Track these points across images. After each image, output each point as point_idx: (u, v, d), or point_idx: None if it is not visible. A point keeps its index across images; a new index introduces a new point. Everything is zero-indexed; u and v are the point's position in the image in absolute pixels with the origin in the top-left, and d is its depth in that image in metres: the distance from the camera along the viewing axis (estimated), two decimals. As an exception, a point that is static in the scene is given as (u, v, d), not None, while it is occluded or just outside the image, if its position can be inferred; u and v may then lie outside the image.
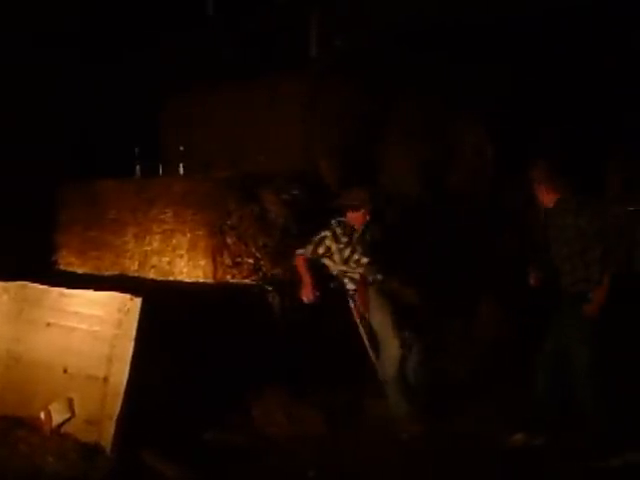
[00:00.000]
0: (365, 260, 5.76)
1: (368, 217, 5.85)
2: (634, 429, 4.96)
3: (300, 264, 5.76)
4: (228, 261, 5.85)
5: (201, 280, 5.82)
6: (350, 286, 5.78)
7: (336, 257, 5.77)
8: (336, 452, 5.00)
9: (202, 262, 5.84)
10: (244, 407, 5.33)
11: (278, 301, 5.90)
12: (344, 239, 5.78)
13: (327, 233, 5.79)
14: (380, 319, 5.59)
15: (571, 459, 4.86)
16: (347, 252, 5.77)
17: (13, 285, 5.31)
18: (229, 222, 5.89)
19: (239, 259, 5.89)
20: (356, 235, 5.80)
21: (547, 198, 5.23)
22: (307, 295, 5.71)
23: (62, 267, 6.74)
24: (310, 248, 5.74)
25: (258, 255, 5.97)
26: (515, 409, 5.60)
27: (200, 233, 5.87)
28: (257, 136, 6.78)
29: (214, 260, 5.81)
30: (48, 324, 5.02)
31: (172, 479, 4.49)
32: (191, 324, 5.07)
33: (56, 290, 5.09)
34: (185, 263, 5.92)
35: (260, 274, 5.95)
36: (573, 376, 5.02)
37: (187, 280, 5.88)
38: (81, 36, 7.56)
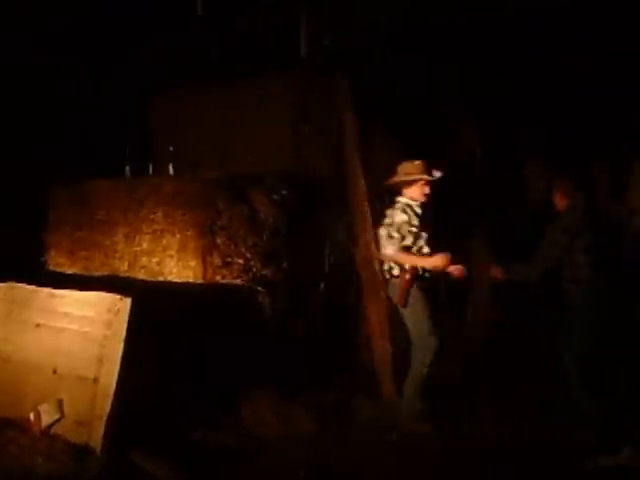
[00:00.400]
0: (427, 250, 5.64)
1: (428, 191, 5.70)
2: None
3: (402, 257, 5.58)
4: (218, 261, 5.85)
5: (191, 280, 5.81)
6: (395, 271, 5.66)
7: (407, 241, 5.64)
8: (326, 452, 5.02)
9: (192, 262, 5.84)
10: (234, 407, 5.34)
11: (268, 301, 5.90)
12: (415, 221, 5.66)
13: (404, 217, 5.64)
14: (419, 315, 5.52)
15: (565, 458, 4.90)
16: (412, 238, 5.64)
17: (2, 286, 5.31)
18: (219, 222, 5.88)
19: (229, 259, 5.88)
20: (421, 214, 5.66)
21: (562, 203, 5.45)
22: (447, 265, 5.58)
23: (51, 267, 6.72)
24: (397, 242, 5.58)
25: (248, 255, 5.96)
26: (507, 408, 5.65)
27: (190, 233, 5.87)
28: (246, 136, 6.77)
29: (204, 260, 5.81)
30: (37, 325, 5.02)
31: (162, 479, 4.49)
32: (181, 324, 5.06)
33: (45, 291, 5.08)
34: (175, 263, 5.92)
35: (250, 274, 5.94)
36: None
37: (177, 280, 5.88)
38: (71, 36, 7.53)
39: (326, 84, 6.91)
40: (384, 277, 5.79)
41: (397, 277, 5.64)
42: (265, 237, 6.04)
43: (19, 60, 7.16)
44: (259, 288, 5.90)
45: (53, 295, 5.02)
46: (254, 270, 5.96)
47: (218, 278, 5.83)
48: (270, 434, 5.22)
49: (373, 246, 6.02)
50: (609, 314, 5.21)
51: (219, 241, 5.84)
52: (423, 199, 5.76)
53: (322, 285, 6.29)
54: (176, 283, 5.84)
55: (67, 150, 7.32)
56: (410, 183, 5.76)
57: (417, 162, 5.80)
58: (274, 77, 6.80)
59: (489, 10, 7.50)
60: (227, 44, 7.92)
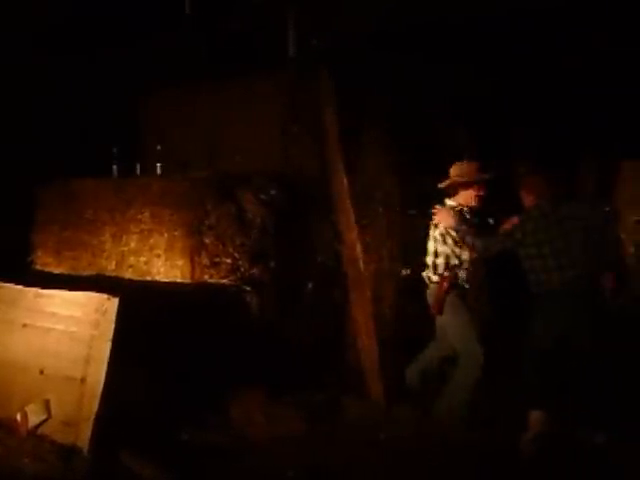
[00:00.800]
0: (466, 257, 5.54)
1: (482, 193, 5.51)
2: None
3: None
4: (206, 261, 5.84)
5: (179, 280, 5.80)
6: (434, 278, 5.58)
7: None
8: (315, 452, 5.01)
9: (179, 262, 5.82)
10: (223, 407, 5.33)
11: (256, 301, 5.90)
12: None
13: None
14: (462, 324, 5.44)
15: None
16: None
17: (-12, 286, 5.27)
18: (207, 222, 5.87)
19: (217, 259, 5.87)
20: (475, 220, 5.51)
21: (526, 200, 5.40)
22: None
23: (38, 267, 6.68)
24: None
25: (236, 255, 5.95)
26: (499, 408, 5.67)
27: (177, 233, 5.85)
28: (235, 136, 6.76)
29: (192, 260, 5.80)
30: (24, 325, 4.98)
31: (149, 479, 4.48)
32: (169, 324, 5.05)
33: (32, 290, 5.05)
34: (162, 263, 5.90)
35: (238, 274, 5.94)
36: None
37: (164, 280, 5.86)
38: (59, 35, 7.51)
39: (314, 84, 6.91)
40: (367, 275, 5.81)
41: (435, 284, 5.56)
42: (253, 237, 6.04)
43: (5, 59, 7.13)
44: (247, 288, 5.90)
45: (40, 295, 4.99)
46: (242, 270, 5.96)
47: (206, 278, 5.82)
48: (259, 434, 5.21)
49: (358, 246, 6.04)
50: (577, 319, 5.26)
51: (207, 241, 5.83)
52: (474, 203, 5.64)
53: (310, 285, 6.29)
54: (164, 283, 5.82)
55: (55, 149, 7.28)
56: (465, 185, 5.62)
57: (472, 163, 5.68)
58: (262, 77, 6.80)
59: (477, 10, 7.52)
60: (215, 44, 7.90)
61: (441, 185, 5.69)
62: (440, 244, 5.61)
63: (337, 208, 6.32)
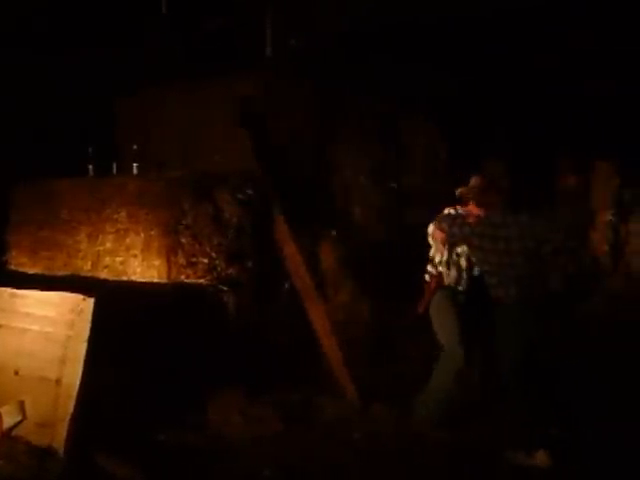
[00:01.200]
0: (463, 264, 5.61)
1: (479, 212, 5.47)
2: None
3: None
4: (182, 261, 5.83)
5: (155, 280, 5.78)
6: (427, 278, 5.68)
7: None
8: (291, 451, 5.01)
9: (156, 262, 5.81)
10: (199, 407, 5.32)
11: (233, 301, 5.90)
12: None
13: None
14: (444, 325, 5.47)
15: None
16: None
17: (-37, 286, 5.23)
18: (183, 222, 5.86)
19: (194, 259, 5.87)
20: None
21: (475, 212, 5.40)
22: None
23: (13, 267, 6.64)
24: None
25: (213, 255, 5.95)
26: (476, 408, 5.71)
27: (154, 233, 5.84)
28: (212, 136, 6.75)
29: (168, 260, 5.78)
30: (-1, 325, 4.95)
31: (126, 480, 4.47)
32: (145, 324, 5.04)
33: (7, 291, 5.01)
34: (139, 263, 5.88)
35: (215, 274, 5.94)
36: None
37: (141, 280, 5.84)
38: (33, 34, 7.46)
39: (292, 83, 6.93)
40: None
41: (427, 283, 5.66)
42: (230, 237, 6.04)
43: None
44: (224, 287, 5.89)
45: (15, 295, 4.95)
46: (219, 269, 5.95)
47: (182, 278, 5.81)
48: (236, 434, 5.21)
49: (299, 257, 6.10)
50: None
51: (184, 240, 5.82)
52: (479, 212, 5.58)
53: (287, 285, 6.29)
54: (140, 283, 5.80)
55: (30, 149, 7.24)
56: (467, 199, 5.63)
57: (478, 178, 5.63)
58: (240, 77, 6.79)
59: (453, 11, 7.56)
60: (192, 44, 7.89)
61: (457, 193, 5.67)
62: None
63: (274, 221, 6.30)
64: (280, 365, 5.87)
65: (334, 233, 7.06)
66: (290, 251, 6.19)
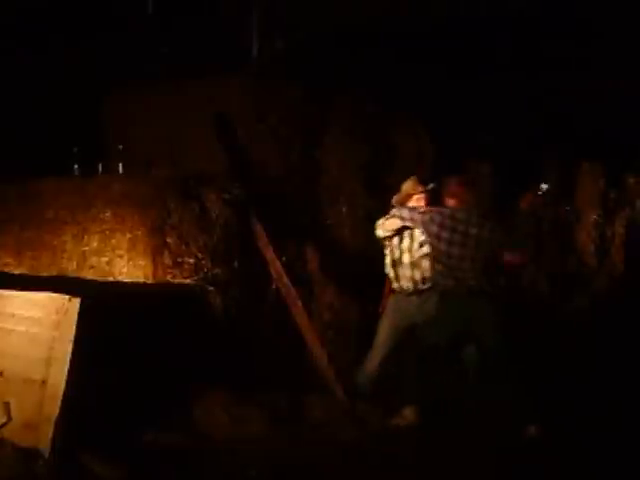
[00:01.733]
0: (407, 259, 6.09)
1: (422, 204, 6.01)
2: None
3: None
4: (168, 261, 5.81)
5: (141, 280, 5.76)
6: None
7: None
8: (278, 451, 5.01)
9: (142, 262, 5.78)
10: (186, 407, 5.30)
11: (219, 301, 5.89)
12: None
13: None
14: (382, 325, 6.05)
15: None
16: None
17: (-53, 287, 5.19)
18: (169, 222, 5.84)
19: (180, 259, 5.85)
20: None
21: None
22: None
23: (-3, 268, 6.60)
24: None
25: (199, 255, 5.93)
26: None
27: (140, 233, 5.81)
28: (198, 136, 6.73)
29: (154, 260, 5.76)
30: (-17, 326, 4.92)
31: (111, 481, 4.45)
32: (131, 325, 5.01)
33: (-8, 291, 4.99)
34: (125, 263, 5.86)
35: (201, 274, 5.92)
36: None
37: (127, 280, 5.82)
38: (17, 31, 7.42)
39: (278, 84, 6.92)
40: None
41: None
42: (216, 237, 6.02)
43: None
44: (210, 288, 5.88)
45: (0, 296, 4.93)
46: (205, 270, 5.94)
47: (169, 278, 5.79)
48: (222, 434, 5.20)
49: (277, 262, 6.19)
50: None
51: (170, 240, 5.81)
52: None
53: (273, 285, 6.29)
54: (126, 283, 5.78)
55: (15, 148, 7.20)
56: (407, 198, 6.09)
57: (411, 178, 6.20)
58: (227, 77, 6.78)
59: (441, 12, 7.59)
60: (179, 43, 7.88)
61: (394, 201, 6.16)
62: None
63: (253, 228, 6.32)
64: (267, 365, 5.87)
65: (329, 222, 7.10)
66: (270, 256, 6.20)
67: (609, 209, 11.08)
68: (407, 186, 6.13)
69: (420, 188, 6.04)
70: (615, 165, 10.82)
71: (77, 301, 4.59)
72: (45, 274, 6.22)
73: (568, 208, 10.58)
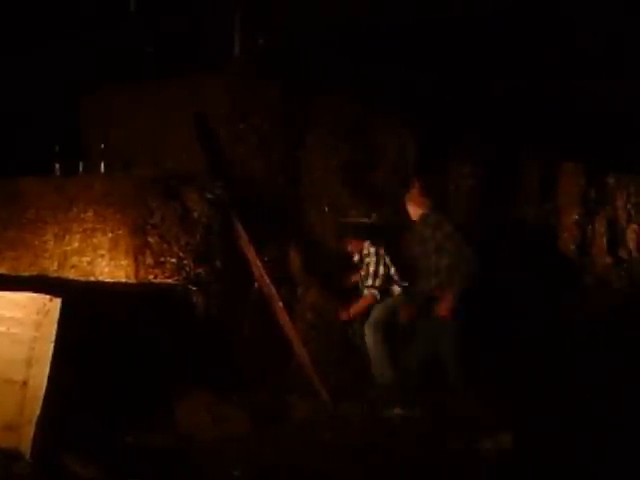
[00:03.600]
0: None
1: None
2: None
3: None
4: (150, 261, 5.78)
5: (123, 280, 5.74)
6: None
7: None
8: (261, 451, 5.00)
9: (124, 262, 5.76)
10: (168, 408, 5.29)
11: (201, 301, 5.87)
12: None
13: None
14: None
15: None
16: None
17: None
18: (151, 221, 5.82)
19: (162, 259, 5.83)
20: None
21: (415, 213, 6.37)
22: None
23: (-22, 268, 6.55)
24: None
25: (181, 254, 5.91)
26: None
27: (122, 232, 5.79)
28: (180, 135, 6.71)
29: (136, 260, 5.74)
30: (-36, 327, 4.87)
31: (93, 482, 4.42)
32: (113, 325, 4.99)
33: (-28, 292, 4.94)
34: (106, 263, 5.83)
35: (183, 274, 5.90)
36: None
37: (108, 280, 5.79)
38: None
39: (260, 84, 6.91)
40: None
41: None
42: (198, 236, 6.01)
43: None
44: (192, 287, 5.86)
45: (-20, 296, 4.89)
46: (187, 269, 5.92)
47: (150, 278, 5.77)
48: (205, 434, 5.19)
49: (258, 262, 6.18)
50: None
51: (151, 240, 5.78)
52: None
53: (256, 284, 6.28)
54: (108, 283, 5.75)
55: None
56: None
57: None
58: (208, 76, 6.76)
59: (423, 12, 7.60)
60: (161, 42, 7.85)
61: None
62: None
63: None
64: (249, 365, 5.86)
65: (326, 210, 7.18)
66: (252, 256, 6.19)
67: (590, 209, 11.16)
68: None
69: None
70: (596, 165, 10.89)
71: (58, 301, 4.56)
72: (26, 274, 6.18)
73: (549, 208, 10.65)
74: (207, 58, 7.28)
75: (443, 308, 6.09)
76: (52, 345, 4.50)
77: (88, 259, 5.91)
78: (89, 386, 4.73)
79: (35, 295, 4.67)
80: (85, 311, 4.75)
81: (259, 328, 6.26)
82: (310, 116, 7.24)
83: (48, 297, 4.61)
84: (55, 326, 4.52)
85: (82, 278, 5.87)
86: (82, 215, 5.96)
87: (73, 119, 7.33)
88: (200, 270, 5.98)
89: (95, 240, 5.89)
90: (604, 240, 11.43)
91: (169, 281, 5.82)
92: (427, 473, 4.79)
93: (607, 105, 9.86)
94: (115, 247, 5.80)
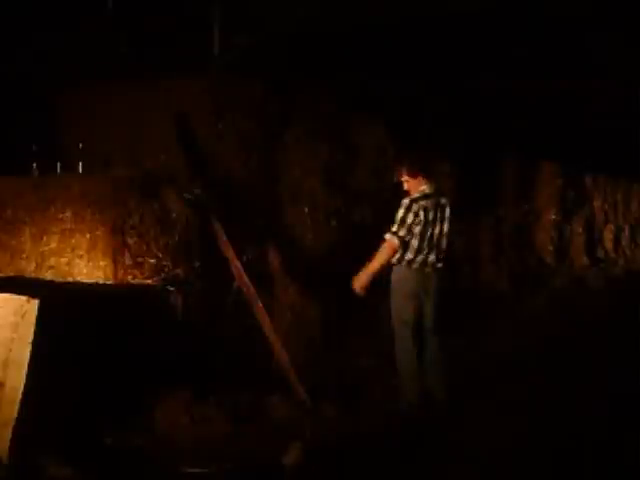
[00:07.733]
0: None
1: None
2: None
3: None
4: (129, 261, 5.76)
5: (101, 281, 5.71)
6: None
7: None
8: (240, 452, 5.00)
9: (102, 263, 5.73)
10: (147, 409, 5.27)
11: (181, 301, 5.86)
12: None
13: None
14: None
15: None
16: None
17: None
18: (130, 222, 5.80)
19: (140, 259, 5.81)
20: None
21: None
22: None
23: (-46, 269, 6.49)
24: None
25: (160, 255, 5.90)
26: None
27: (100, 233, 5.76)
28: (159, 135, 6.68)
29: (115, 260, 5.72)
30: (-60, 328, 4.83)
31: (71, 485, 4.40)
32: (91, 326, 4.97)
33: (-52, 293, 4.90)
34: (85, 264, 5.80)
35: (162, 274, 5.89)
36: None
37: (87, 281, 5.77)
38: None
39: (241, 83, 6.91)
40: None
41: None
42: (177, 236, 6.00)
43: None
44: (171, 288, 5.85)
45: (-44, 298, 4.85)
46: (166, 270, 5.91)
47: (129, 278, 5.75)
48: (183, 435, 5.18)
49: (236, 261, 6.16)
50: None
51: (130, 241, 5.76)
52: None
53: (235, 284, 6.28)
54: (86, 284, 5.72)
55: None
56: None
57: None
58: (187, 75, 6.74)
59: (401, 13, 7.62)
60: (139, 41, 7.81)
61: None
62: None
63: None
64: (228, 365, 5.86)
65: (306, 210, 7.13)
66: (231, 256, 6.19)
67: (567, 209, 11.26)
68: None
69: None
70: (573, 166, 10.98)
71: (36, 302, 4.54)
72: (3, 275, 6.13)
73: (527, 208, 10.73)
74: (186, 57, 7.25)
75: None
76: (29, 347, 4.47)
77: (66, 260, 5.88)
78: (67, 388, 4.70)
79: (12, 296, 4.64)
80: (63, 312, 4.73)
81: (238, 328, 6.25)
82: (289, 116, 7.24)
83: (25, 298, 4.58)
84: (32, 327, 4.49)
85: (60, 279, 5.84)
86: (60, 215, 5.93)
87: (51, 119, 7.28)
88: (179, 270, 5.97)
89: (73, 241, 5.86)
90: (581, 240, 11.54)
91: (148, 282, 5.81)
92: (408, 472, 4.82)
93: (585, 106, 9.94)
94: (93, 248, 5.78)
